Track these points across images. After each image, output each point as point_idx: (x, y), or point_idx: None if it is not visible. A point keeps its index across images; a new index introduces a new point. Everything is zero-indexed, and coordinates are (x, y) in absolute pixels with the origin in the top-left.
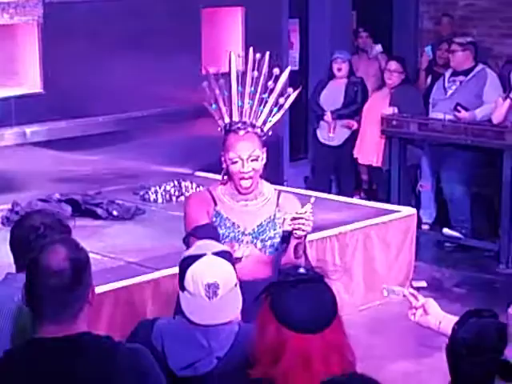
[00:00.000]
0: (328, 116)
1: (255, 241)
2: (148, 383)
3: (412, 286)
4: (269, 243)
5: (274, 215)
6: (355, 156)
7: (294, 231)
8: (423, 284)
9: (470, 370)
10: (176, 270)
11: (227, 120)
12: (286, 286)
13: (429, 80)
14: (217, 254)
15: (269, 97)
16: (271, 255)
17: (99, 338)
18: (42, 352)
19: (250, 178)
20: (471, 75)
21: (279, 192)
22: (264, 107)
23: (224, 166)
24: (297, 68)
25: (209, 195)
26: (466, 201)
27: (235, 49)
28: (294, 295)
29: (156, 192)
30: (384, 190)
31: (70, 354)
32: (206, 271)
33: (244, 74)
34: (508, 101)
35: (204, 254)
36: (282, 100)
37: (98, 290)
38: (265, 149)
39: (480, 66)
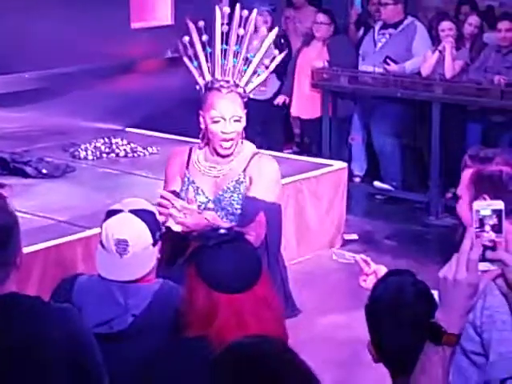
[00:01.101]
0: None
1: (217, 208)
2: (78, 342)
3: (343, 239)
4: (229, 211)
5: (238, 179)
6: (293, 113)
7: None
8: (354, 237)
9: (389, 330)
10: None
11: (208, 78)
12: (209, 250)
13: (361, 32)
14: (135, 211)
15: (254, 57)
16: (229, 223)
17: (27, 298)
18: None
19: (231, 139)
20: (401, 28)
21: (254, 154)
22: (248, 67)
23: (202, 126)
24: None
25: (186, 156)
26: (397, 153)
27: (163, 3)
28: (218, 257)
29: (86, 149)
30: (316, 143)
31: None
32: (118, 227)
33: (229, 31)
34: (436, 53)
35: (121, 211)
36: (267, 61)
37: (28, 249)
38: (245, 111)
39: (409, 19)
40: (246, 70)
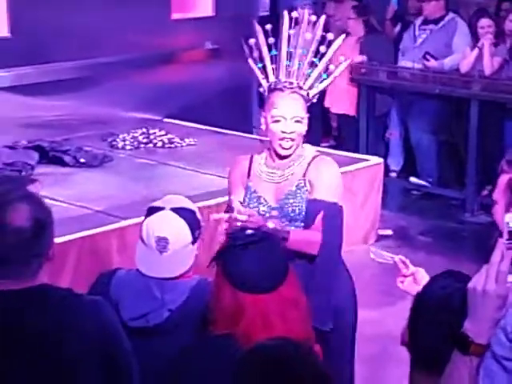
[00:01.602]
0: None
1: (280, 214)
2: (108, 333)
3: (378, 234)
4: (293, 216)
5: (299, 184)
6: (326, 105)
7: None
8: (389, 232)
9: (426, 327)
10: (142, 219)
11: (272, 79)
12: (235, 250)
13: (397, 28)
14: (176, 209)
15: (319, 61)
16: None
17: (60, 290)
18: (0, 303)
19: (292, 140)
20: (441, 24)
21: (313, 157)
22: (313, 71)
23: (263, 127)
24: (267, 13)
25: (247, 164)
26: (433, 149)
27: None
28: (244, 258)
29: (124, 139)
30: (353, 138)
31: (29, 305)
32: (159, 225)
33: (296, 35)
34: (476, 50)
35: (163, 208)
36: (332, 67)
37: (63, 239)
38: (308, 115)
39: (451, 15)
40: (310, 74)
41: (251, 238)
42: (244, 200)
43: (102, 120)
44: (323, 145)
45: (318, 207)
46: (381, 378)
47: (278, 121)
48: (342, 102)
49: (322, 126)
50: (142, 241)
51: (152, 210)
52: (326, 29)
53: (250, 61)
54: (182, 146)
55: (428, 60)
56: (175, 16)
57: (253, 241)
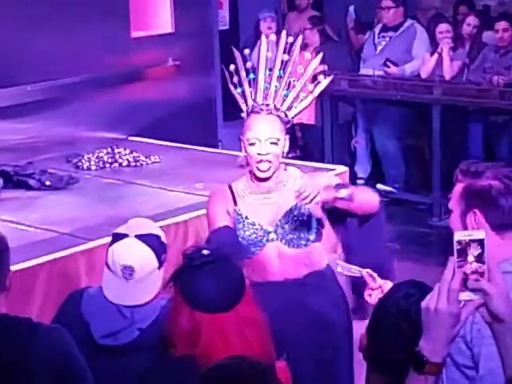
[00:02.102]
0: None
1: (280, 236)
2: (68, 361)
3: None
4: (294, 236)
5: (295, 204)
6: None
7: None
8: None
9: (386, 334)
10: (109, 239)
11: (250, 103)
12: (191, 270)
13: (366, 36)
14: (140, 236)
15: (297, 81)
16: (301, 249)
17: (17, 319)
18: None
19: (268, 161)
20: (401, 31)
21: (301, 177)
22: (290, 91)
23: (243, 151)
24: (227, 27)
25: (229, 193)
26: (399, 155)
27: (164, 11)
28: (200, 278)
29: (89, 159)
30: (318, 147)
31: None
32: (124, 253)
33: (273, 57)
34: (435, 55)
35: (127, 235)
36: (311, 86)
37: (31, 263)
38: (287, 136)
39: (409, 22)
40: (287, 95)
41: (207, 258)
42: (240, 227)
43: (67, 141)
44: (290, 156)
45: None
46: None
47: (253, 143)
48: (306, 112)
49: (288, 137)
50: (108, 267)
51: (117, 237)
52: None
53: (231, 86)
54: (147, 164)
55: (388, 67)
56: (135, 34)
57: (209, 261)
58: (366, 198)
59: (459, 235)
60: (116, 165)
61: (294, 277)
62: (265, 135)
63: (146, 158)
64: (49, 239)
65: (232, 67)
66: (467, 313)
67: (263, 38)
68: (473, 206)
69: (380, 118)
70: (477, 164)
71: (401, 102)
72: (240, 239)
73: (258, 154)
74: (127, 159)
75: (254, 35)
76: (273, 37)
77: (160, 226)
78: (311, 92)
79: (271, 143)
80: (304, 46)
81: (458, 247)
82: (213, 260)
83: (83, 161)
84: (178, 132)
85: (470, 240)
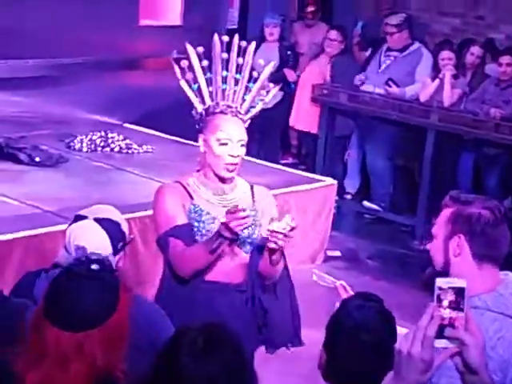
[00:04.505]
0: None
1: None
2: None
3: (326, 255)
4: (248, 241)
5: (252, 211)
6: (290, 123)
7: (269, 243)
8: (337, 253)
9: (346, 348)
10: None
11: (209, 102)
12: (61, 284)
13: (368, 52)
14: (98, 220)
15: (253, 85)
16: (248, 255)
17: None
18: None
19: (236, 164)
20: (406, 52)
21: (251, 186)
22: (247, 95)
23: (202, 149)
24: (235, 26)
25: (182, 189)
26: (388, 175)
27: (175, 3)
28: (76, 290)
29: (82, 141)
30: (313, 156)
31: None
32: (78, 234)
33: (228, 59)
34: (436, 81)
35: (86, 217)
36: (264, 92)
37: (10, 236)
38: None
39: (416, 45)
40: (245, 98)
41: (92, 271)
42: (198, 222)
43: (61, 120)
44: (282, 162)
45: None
46: None
47: (225, 144)
48: (306, 119)
49: (282, 144)
50: (65, 247)
51: (77, 218)
52: (294, 46)
53: (183, 82)
54: (139, 153)
55: (390, 86)
56: (143, 22)
57: (83, 275)
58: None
59: (440, 281)
60: (108, 149)
61: (237, 282)
62: (237, 137)
63: (139, 146)
64: (31, 215)
65: (185, 63)
66: (440, 360)
67: (215, 38)
68: (458, 231)
69: (374, 136)
70: (467, 194)
71: (397, 122)
72: (198, 235)
73: (230, 155)
74: (119, 145)
75: (260, 38)
76: (225, 38)
77: (142, 216)
78: (263, 99)
79: (241, 145)
80: (319, 53)
81: (438, 293)
82: (97, 274)
83: (75, 141)
84: (174, 125)
85: (450, 287)
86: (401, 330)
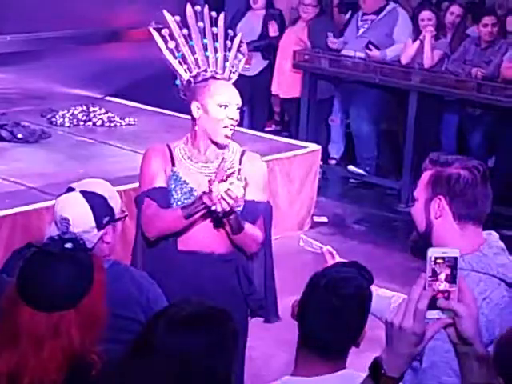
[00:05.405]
0: (244, 47)
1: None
2: None
3: (313, 221)
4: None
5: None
6: (274, 92)
7: (213, 207)
8: (324, 219)
9: (313, 307)
10: None
11: (195, 70)
12: (33, 263)
13: (347, 16)
14: (84, 192)
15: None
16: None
17: None
18: None
19: (234, 128)
20: (382, 14)
21: (243, 152)
22: (227, 63)
23: (197, 115)
24: None
25: (168, 152)
26: (373, 139)
27: None
28: (48, 269)
29: (63, 116)
30: (296, 122)
31: None
32: (63, 205)
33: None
34: (417, 42)
35: (73, 189)
36: (236, 62)
37: None
38: None
39: (391, 5)
40: (226, 65)
41: (65, 250)
42: (174, 190)
43: (42, 95)
44: (266, 129)
45: (258, 209)
46: None
47: (225, 106)
48: (287, 85)
49: (267, 111)
50: (54, 221)
51: (67, 190)
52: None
53: (167, 52)
54: (121, 126)
55: (370, 50)
56: None
57: (54, 254)
58: (251, 236)
59: (433, 252)
60: (90, 123)
61: (220, 251)
62: (235, 100)
63: (121, 119)
64: (15, 192)
65: (166, 31)
66: (433, 332)
67: (188, 8)
68: (438, 193)
69: (357, 100)
70: (446, 155)
71: (379, 85)
72: (173, 202)
73: (230, 118)
74: (102, 119)
75: (245, 7)
76: (198, 7)
77: (127, 189)
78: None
79: (237, 109)
80: (296, 19)
81: (430, 266)
82: (69, 254)
83: (57, 117)
84: (155, 96)
85: (444, 259)
86: (385, 293)
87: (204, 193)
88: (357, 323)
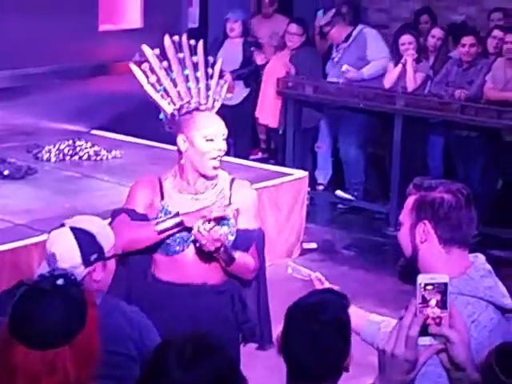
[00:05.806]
0: (227, 76)
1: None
2: None
3: (302, 248)
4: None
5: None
6: (256, 116)
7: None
8: (313, 246)
9: (295, 337)
10: None
11: (178, 102)
12: (25, 301)
13: (329, 43)
14: (73, 229)
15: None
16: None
17: None
18: None
19: (221, 157)
20: (350, 40)
21: (232, 180)
22: (210, 92)
23: (183, 148)
24: (196, 25)
25: (158, 185)
26: (361, 163)
27: (134, 6)
28: (40, 306)
29: (49, 151)
30: (281, 150)
31: None
32: (52, 240)
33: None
34: (399, 66)
35: (64, 225)
36: (218, 89)
37: None
38: None
39: (358, 28)
40: (209, 95)
41: (57, 286)
42: (158, 220)
43: (29, 131)
44: (252, 157)
45: (251, 237)
46: None
47: (211, 140)
48: (272, 113)
49: (252, 139)
50: (46, 258)
51: (59, 226)
52: (258, 41)
53: (148, 87)
54: (107, 159)
55: (348, 70)
56: (103, 27)
57: (56, 289)
58: (244, 265)
59: (422, 278)
60: (76, 158)
61: (213, 282)
62: (220, 132)
63: (107, 152)
64: (2, 229)
65: (146, 66)
66: (425, 358)
67: (166, 39)
68: (423, 218)
69: (345, 125)
70: (430, 180)
71: (365, 110)
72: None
73: (218, 149)
74: (88, 152)
75: (223, 35)
76: (176, 38)
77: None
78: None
79: (223, 140)
80: (282, 47)
81: (423, 293)
82: (61, 290)
83: (43, 152)
84: (141, 128)
85: (434, 285)
86: (375, 318)
87: (183, 214)
88: (336, 347)
